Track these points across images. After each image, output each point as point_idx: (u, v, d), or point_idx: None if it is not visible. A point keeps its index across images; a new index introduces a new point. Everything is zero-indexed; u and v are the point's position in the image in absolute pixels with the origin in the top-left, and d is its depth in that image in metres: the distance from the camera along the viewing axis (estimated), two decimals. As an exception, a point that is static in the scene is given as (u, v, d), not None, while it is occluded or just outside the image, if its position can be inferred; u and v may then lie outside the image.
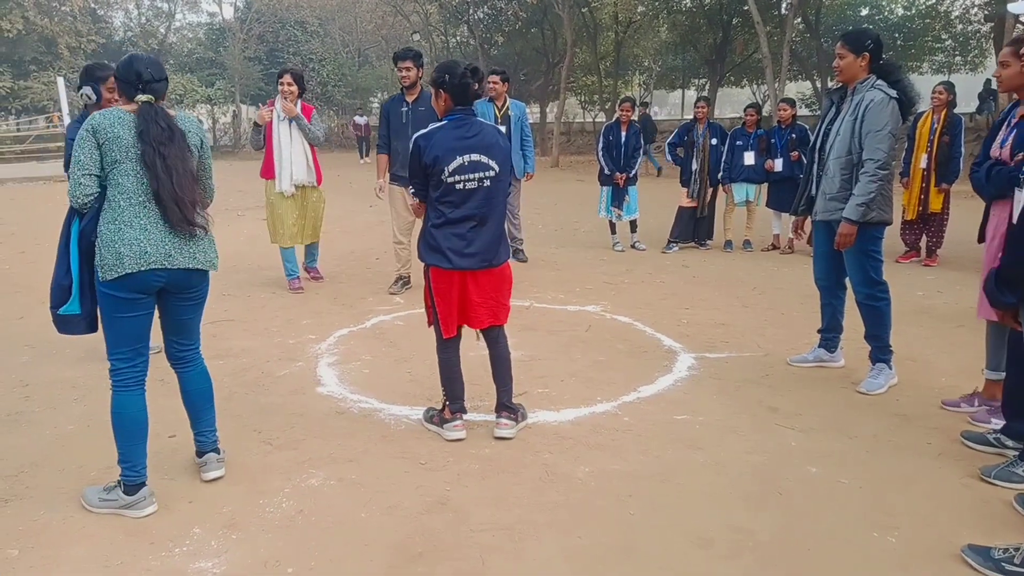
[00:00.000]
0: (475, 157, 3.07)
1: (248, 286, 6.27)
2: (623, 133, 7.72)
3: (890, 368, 3.87)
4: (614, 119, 7.95)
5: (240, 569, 2.34)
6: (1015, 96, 3.31)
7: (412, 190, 3.24)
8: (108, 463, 2.80)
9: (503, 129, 6.99)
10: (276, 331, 5.00)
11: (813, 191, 3.96)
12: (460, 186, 3.07)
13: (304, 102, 5.93)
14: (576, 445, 3.22)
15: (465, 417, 3.34)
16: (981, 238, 3.42)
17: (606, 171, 7.79)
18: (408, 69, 5.76)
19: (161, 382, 3.92)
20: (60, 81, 17.50)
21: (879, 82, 3.62)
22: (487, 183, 3.11)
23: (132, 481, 2.65)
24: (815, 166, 3.93)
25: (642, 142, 7.90)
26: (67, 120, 17.46)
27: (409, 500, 2.75)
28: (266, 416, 3.56)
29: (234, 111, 33.40)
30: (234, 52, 31.39)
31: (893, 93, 3.57)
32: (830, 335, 4.17)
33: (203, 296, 2.83)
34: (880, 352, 3.86)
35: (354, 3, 34.52)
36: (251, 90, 32.50)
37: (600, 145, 7.86)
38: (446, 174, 3.05)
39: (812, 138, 4.05)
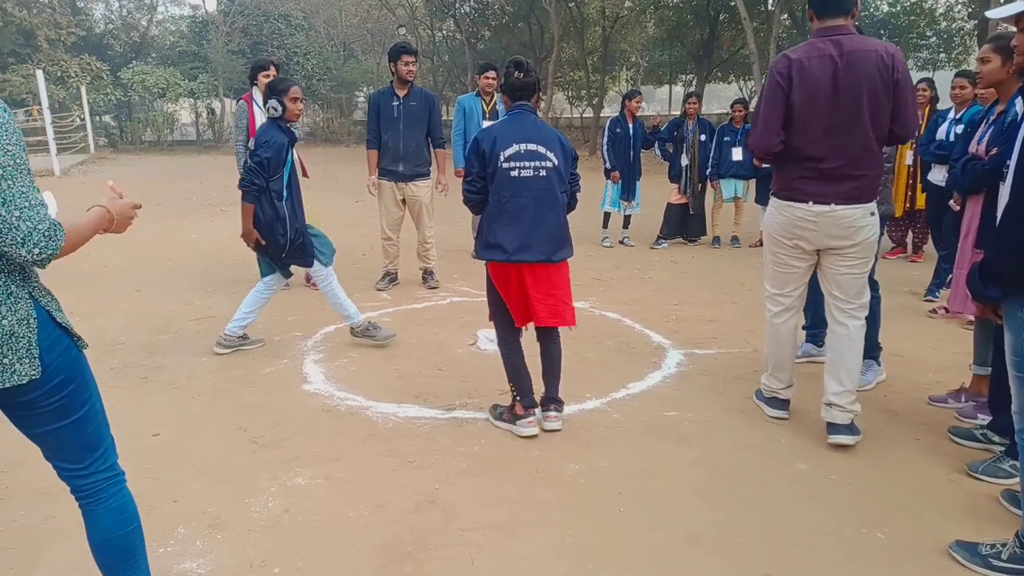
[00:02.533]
0: (532, 146, 3.10)
1: (232, 282, 6.20)
2: (630, 126, 7.70)
3: (878, 364, 3.88)
4: (619, 112, 7.91)
5: (225, 569, 2.31)
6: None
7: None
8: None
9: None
10: (261, 328, 4.93)
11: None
12: (515, 173, 3.09)
13: None
14: (566, 442, 3.20)
15: (454, 414, 3.32)
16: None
17: (607, 165, 7.78)
18: (414, 63, 5.76)
19: (144, 380, 3.87)
20: (39, 74, 17.15)
21: None
22: (543, 173, 3.12)
23: None
24: None
25: (648, 137, 7.95)
26: (47, 115, 17.15)
27: (397, 499, 2.73)
28: (251, 414, 3.51)
29: (209, 106, 32.96)
30: (217, 45, 31.03)
31: None
32: (816, 331, 4.18)
33: (48, 406, 1.71)
34: (869, 349, 3.87)
35: (339, -4, 34.28)
36: (235, 83, 32.10)
37: (605, 139, 7.81)
38: (502, 159, 3.08)
39: None
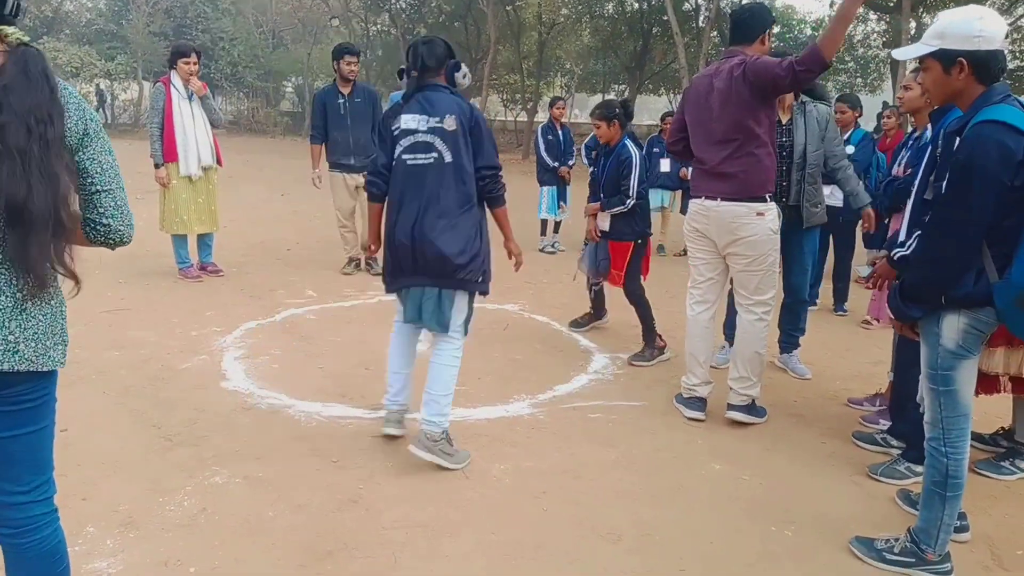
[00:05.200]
0: None
1: (148, 274, 5.95)
2: (559, 130, 7.84)
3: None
4: (548, 119, 8.04)
5: (138, 569, 2.22)
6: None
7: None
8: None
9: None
10: (178, 322, 4.76)
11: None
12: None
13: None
14: (492, 443, 3.23)
15: (380, 414, 3.30)
16: (867, 243, 3.78)
17: (551, 165, 7.85)
18: (356, 63, 6.09)
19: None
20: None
21: None
22: None
23: None
24: None
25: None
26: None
27: (320, 498, 2.69)
28: (166, 411, 3.39)
29: (98, 87, 31.28)
30: (138, 26, 29.66)
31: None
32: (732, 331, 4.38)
33: (32, 402, 1.61)
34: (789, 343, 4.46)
35: (270, -17, 33.29)
36: (155, 66, 30.74)
37: (542, 145, 7.90)
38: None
39: None
